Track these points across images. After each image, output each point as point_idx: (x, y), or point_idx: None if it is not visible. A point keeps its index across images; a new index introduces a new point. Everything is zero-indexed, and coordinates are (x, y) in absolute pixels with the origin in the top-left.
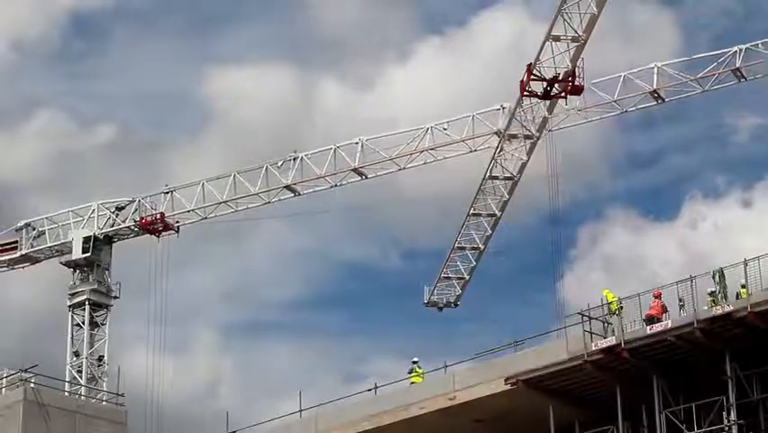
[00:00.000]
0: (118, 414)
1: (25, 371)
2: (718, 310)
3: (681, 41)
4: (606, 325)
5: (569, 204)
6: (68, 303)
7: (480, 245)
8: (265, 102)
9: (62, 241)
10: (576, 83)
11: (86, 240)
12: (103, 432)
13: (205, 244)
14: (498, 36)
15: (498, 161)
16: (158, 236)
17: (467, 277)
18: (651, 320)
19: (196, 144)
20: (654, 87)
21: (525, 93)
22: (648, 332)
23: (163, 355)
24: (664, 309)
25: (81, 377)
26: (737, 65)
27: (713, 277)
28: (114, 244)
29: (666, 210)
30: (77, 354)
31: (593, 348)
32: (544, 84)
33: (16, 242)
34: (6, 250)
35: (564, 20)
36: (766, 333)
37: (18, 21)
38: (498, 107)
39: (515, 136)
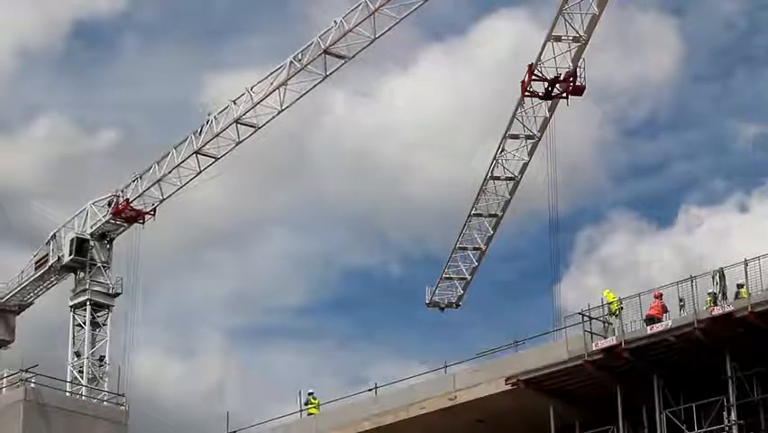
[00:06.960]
0: (118, 414)
1: (25, 371)
2: (718, 310)
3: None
4: (606, 325)
5: (569, 209)
6: (70, 303)
7: (482, 246)
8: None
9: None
10: (577, 83)
11: (72, 242)
12: (103, 432)
13: (210, 250)
14: (499, 43)
15: (500, 161)
16: (142, 223)
17: (468, 277)
18: (651, 320)
19: None
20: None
21: (527, 93)
22: (648, 332)
23: (130, 350)
24: (664, 310)
25: (82, 377)
26: None
27: (713, 277)
28: (114, 242)
29: (666, 216)
30: (78, 354)
31: (593, 348)
32: (546, 84)
33: (47, 255)
34: (41, 265)
35: (565, 20)
36: (766, 333)
37: (22, 27)
38: (332, 23)
39: (516, 136)
